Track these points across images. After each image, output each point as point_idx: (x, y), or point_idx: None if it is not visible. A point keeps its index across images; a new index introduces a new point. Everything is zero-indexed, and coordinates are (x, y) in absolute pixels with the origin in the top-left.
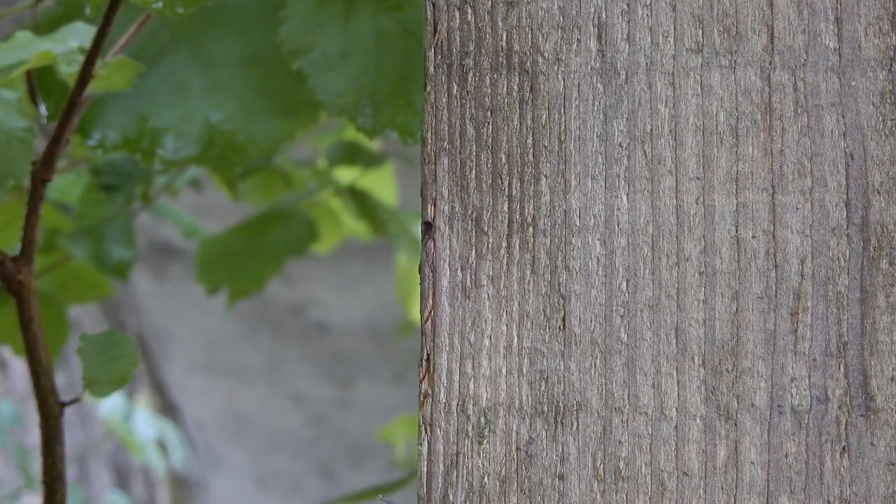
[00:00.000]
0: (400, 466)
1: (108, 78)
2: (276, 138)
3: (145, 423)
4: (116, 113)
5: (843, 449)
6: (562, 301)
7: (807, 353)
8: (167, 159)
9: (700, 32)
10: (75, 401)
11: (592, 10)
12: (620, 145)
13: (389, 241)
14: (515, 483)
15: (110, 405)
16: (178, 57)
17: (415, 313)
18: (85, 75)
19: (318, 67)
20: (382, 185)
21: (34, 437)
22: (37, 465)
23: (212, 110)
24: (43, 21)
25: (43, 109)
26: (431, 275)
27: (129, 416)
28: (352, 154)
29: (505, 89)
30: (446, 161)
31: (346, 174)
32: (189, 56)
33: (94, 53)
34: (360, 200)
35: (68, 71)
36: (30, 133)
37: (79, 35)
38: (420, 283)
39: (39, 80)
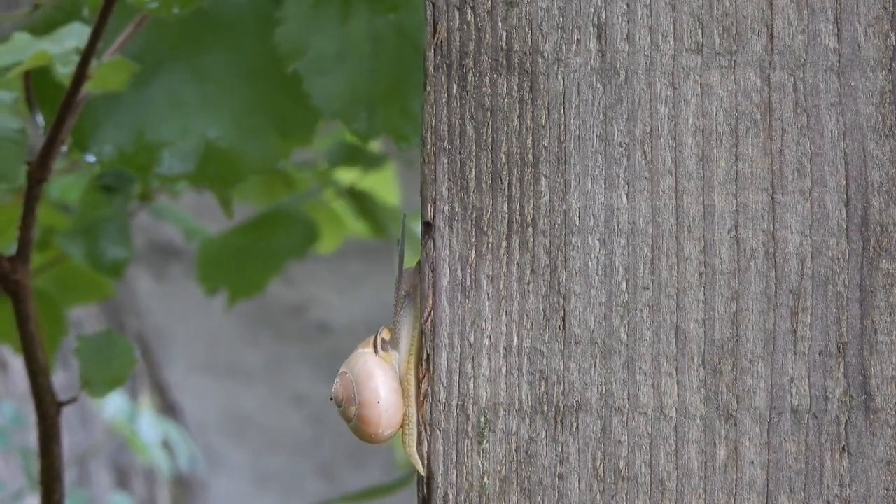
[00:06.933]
0: (400, 467)
1: (104, 78)
2: (271, 157)
3: (150, 425)
4: (113, 127)
5: (843, 449)
6: (561, 301)
7: (806, 352)
8: (163, 175)
9: (700, 32)
10: (73, 400)
11: (592, 10)
12: (620, 145)
13: (390, 241)
14: (515, 483)
15: (114, 407)
16: (175, 71)
17: None
18: (80, 75)
19: (313, 70)
20: (384, 186)
21: (34, 437)
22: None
23: (208, 127)
24: (40, 24)
25: (40, 120)
26: (431, 275)
27: (133, 418)
28: (351, 156)
29: (505, 89)
30: (446, 161)
31: (347, 175)
32: (186, 70)
33: (88, 53)
34: (361, 201)
35: (64, 72)
36: (23, 135)
37: (76, 36)
38: (420, 283)
39: (37, 85)
